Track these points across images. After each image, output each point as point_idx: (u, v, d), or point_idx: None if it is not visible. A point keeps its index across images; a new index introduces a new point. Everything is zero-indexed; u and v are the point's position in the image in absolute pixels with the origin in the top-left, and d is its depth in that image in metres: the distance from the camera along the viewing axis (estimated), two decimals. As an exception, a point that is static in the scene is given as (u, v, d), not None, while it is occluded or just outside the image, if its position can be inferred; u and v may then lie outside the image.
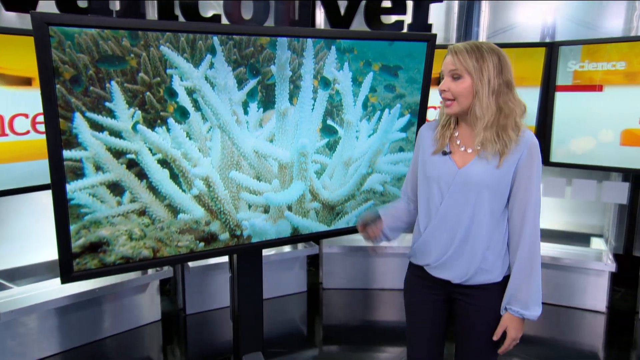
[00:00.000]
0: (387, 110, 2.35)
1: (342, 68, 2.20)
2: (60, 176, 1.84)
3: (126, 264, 2.05)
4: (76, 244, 1.94)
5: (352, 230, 2.47)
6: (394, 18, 3.82)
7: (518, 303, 1.70)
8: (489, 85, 1.64)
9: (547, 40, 4.00)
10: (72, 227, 1.91)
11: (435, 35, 2.32)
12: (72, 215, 1.90)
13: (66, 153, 1.84)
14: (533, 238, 1.70)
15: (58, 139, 1.80)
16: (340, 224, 2.44)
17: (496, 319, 1.76)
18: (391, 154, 2.42)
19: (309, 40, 2.11)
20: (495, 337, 1.74)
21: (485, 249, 1.73)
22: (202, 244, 2.16)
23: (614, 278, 3.78)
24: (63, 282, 1.96)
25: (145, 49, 1.87)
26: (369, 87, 2.28)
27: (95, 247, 1.98)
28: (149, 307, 3.55)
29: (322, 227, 2.40)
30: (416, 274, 1.91)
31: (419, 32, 2.43)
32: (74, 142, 1.84)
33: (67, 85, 1.79)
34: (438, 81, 1.77)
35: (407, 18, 3.80)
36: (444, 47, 2.05)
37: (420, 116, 2.42)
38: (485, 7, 4.01)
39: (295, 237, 2.35)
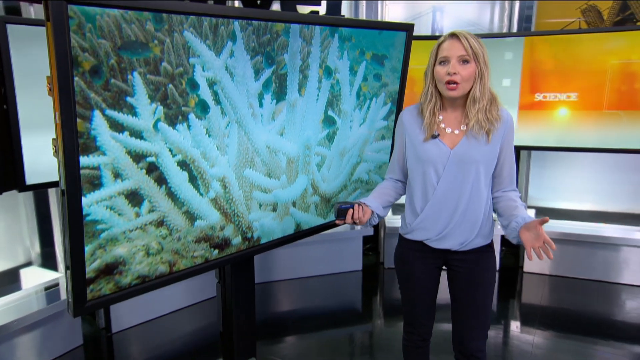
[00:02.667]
0: (374, 99, 2.39)
1: (342, 57, 2.17)
2: (76, 188, 1.51)
3: (142, 284, 1.77)
4: (91, 267, 1.62)
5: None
6: (309, 8, 3.82)
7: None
8: (488, 69, 1.83)
9: (437, 34, 4.41)
10: (87, 249, 1.59)
11: (413, 25, 2.41)
12: (87, 234, 1.58)
13: (83, 160, 1.51)
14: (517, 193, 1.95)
15: (76, 143, 1.48)
16: (333, 215, 2.41)
17: (491, 276, 2.01)
18: (376, 142, 2.47)
19: (317, 28, 2.03)
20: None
21: (482, 217, 1.94)
22: (216, 251, 1.97)
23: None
24: (76, 314, 1.62)
25: (170, 34, 1.62)
26: (362, 76, 2.29)
27: (111, 269, 1.68)
28: (69, 333, 3.08)
29: (320, 221, 2.36)
30: (413, 248, 2.03)
31: (399, 22, 2.50)
32: (91, 146, 1.53)
33: (87, 78, 1.47)
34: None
35: (322, 9, 3.85)
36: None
37: (398, 104, 2.51)
38: (388, 2, 4.24)
39: (297, 234, 2.27)
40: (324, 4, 3.84)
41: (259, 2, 3.65)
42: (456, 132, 1.89)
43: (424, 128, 1.90)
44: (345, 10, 4.10)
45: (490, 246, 2.02)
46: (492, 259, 2.02)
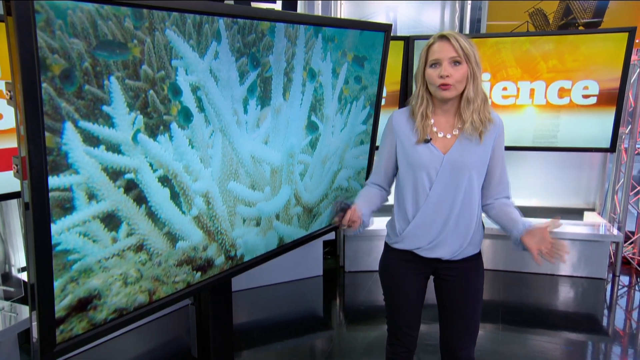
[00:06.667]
0: (354, 102, 2.26)
1: (325, 58, 2.03)
2: (45, 214, 1.28)
3: (119, 319, 1.55)
4: (61, 305, 1.38)
5: (326, 231, 2.34)
6: (264, 6, 3.63)
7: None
8: (480, 69, 1.76)
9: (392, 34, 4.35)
10: (57, 283, 1.36)
11: (391, 25, 2.31)
12: (57, 267, 1.34)
13: (52, 180, 1.28)
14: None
15: (44, 161, 1.24)
16: (315, 226, 2.28)
17: (480, 284, 1.93)
18: (355, 148, 2.35)
19: (302, 27, 1.88)
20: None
21: (474, 224, 1.86)
22: (198, 274, 1.77)
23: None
24: (44, 362, 1.38)
25: (150, 33, 1.41)
26: (344, 79, 2.16)
27: (85, 304, 1.45)
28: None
29: (302, 232, 2.20)
30: (402, 258, 1.92)
31: (377, 22, 2.39)
32: (62, 164, 1.29)
33: (56, 84, 1.24)
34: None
35: (277, 7, 3.67)
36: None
37: (376, 108, 2.40)
38: (343, 2, 4.13)
39: (280, 248, 2.11)
40: (279, 2, 3.67)
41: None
42: (448, 136, 1.79)
43: (415, 131, 1.79)
44: (300, 10, 3.95)
45: (479, 254, 1.95)
46: (481, 267, 1.95)
